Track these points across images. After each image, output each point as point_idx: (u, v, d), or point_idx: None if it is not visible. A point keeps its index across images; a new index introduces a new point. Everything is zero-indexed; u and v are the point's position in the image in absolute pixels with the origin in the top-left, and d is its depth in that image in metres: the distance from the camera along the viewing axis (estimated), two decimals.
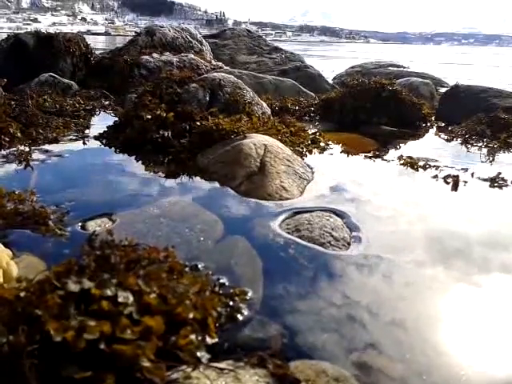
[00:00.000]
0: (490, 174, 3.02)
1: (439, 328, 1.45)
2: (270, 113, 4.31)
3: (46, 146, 3.38)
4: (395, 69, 9.92)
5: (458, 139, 4.26)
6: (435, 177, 3.00)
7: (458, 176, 2.91)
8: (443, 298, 1.63)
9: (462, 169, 3.16)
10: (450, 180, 2.91)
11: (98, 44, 22.06)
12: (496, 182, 2.93)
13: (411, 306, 1.56)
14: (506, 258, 1.96)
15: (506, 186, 2.89)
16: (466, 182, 2.90)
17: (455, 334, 1.43)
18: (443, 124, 4.91)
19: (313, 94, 6.08)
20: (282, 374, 1.15)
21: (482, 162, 3.53)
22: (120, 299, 1.15)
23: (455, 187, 2.82)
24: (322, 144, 3.75)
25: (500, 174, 2.98)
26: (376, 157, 3.56)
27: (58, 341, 1.01)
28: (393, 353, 1.29)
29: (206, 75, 4.42)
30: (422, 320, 1.48)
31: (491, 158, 3.63)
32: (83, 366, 1.00)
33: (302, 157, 3.27)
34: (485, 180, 2.96)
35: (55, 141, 3.55)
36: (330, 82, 7.82)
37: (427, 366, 1.26)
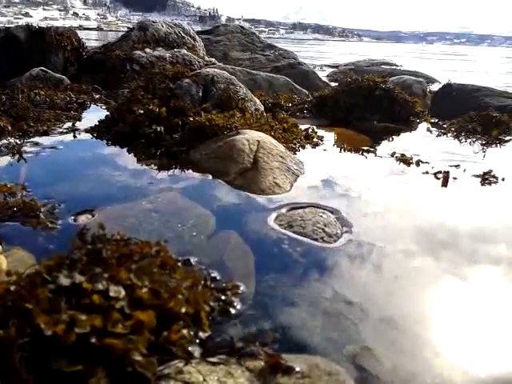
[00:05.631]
0: (480, 170, 3.05)
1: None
2: (263, 109, 4.29)
3: (37, 139, 3.35)
4: (388, 67, 9.97)
5: (450, 136, 4.29)
6: (426, 172, 3.02)
7: (448, 172, 2.93)
8: (431, 289, 1.63)
9: (454, 165, 3.18)
10: (440, 176, 2.94)
11: (91, 39, 21.91)
12: (486, 178, 2.95)
13: (401, 299, 1.57)
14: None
15: (496, 182, 2.92)
16: (455, 178, 2.93)
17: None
18: (435, 121, 4.93)
19: (306, 91, 6.09)
20: (275, 363, 1.15)
21: (473, 158, 3.55)
22: (111, 293, 1.14)
23: (445, 183, 2.84)
24: (315, 140, 3.76)
25: (491, 171, 3.00)
26: (368, 152, 3.57)
27: (49, 334, 1.00)
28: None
29: (199, 71, 4.40)
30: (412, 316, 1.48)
31: (482, 154, 3.66)
32: (74, 359, 0.99)
33: (295, 153, 3.27)
34: (476, 176, 2.98)
35: (46, 134, 3.52)
36: (323, 79, 7.82)
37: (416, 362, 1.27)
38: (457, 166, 3.16)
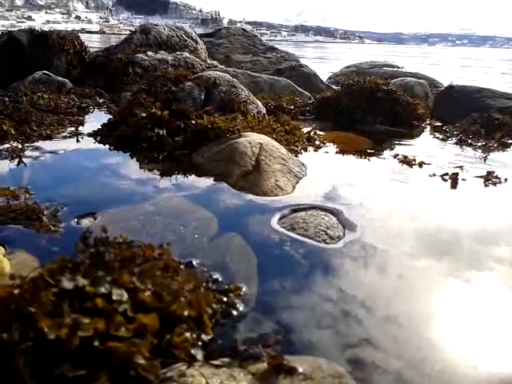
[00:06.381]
0: (484, 171, 3.04)
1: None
2: (265, 112, 4.30)
3: (40, 143, 3.35)
4: (390, 69, 9.94)
5: (453, 138, 4.28)
6: (433, 175, 3.01)
7: (457, 173, 2.93)
8: (433, 290, 1.63)
9: (458, 167, 3.17)
10: (447, 178, 2.93)
11: (93, 42, 21.95)
12: (490, 179, 2.95)
13: (403, 303, 1.56)
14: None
15: (500, 183, 2.92)
16: (464, 179, 2.93)
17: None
18: (438, 123, 4.92)
19: (308, 94, 6.08)
20: (278, 364, 1.15)
21: (477, 160, 3.54)
22: (114, 297, 1.14)
23: (454, 184, 2.84)
24: (317, 142, 3.76)
25: (494, 172, 3.01)
26: (371, 155, 3.57)
27: (52, 338, 1.00)
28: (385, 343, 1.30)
29: (201, 74, 4.41)
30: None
31: (485, 157, 3.65)
32: (77, 363, 0.99)
33: (297, 155, 3.27)
34: (479, 177, 2.98)
35: (49, 138, 3.53)
36: (325, 81, 7.82)
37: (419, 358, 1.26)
38: (461, 168, 3.15)
